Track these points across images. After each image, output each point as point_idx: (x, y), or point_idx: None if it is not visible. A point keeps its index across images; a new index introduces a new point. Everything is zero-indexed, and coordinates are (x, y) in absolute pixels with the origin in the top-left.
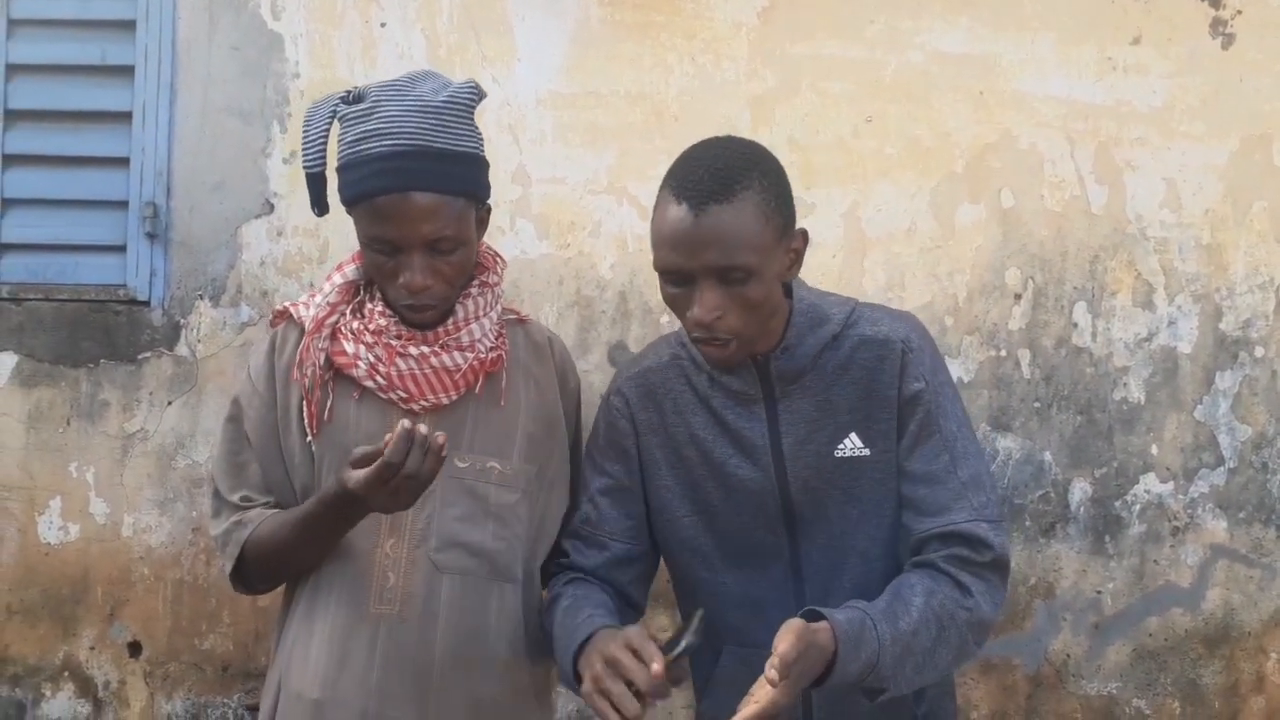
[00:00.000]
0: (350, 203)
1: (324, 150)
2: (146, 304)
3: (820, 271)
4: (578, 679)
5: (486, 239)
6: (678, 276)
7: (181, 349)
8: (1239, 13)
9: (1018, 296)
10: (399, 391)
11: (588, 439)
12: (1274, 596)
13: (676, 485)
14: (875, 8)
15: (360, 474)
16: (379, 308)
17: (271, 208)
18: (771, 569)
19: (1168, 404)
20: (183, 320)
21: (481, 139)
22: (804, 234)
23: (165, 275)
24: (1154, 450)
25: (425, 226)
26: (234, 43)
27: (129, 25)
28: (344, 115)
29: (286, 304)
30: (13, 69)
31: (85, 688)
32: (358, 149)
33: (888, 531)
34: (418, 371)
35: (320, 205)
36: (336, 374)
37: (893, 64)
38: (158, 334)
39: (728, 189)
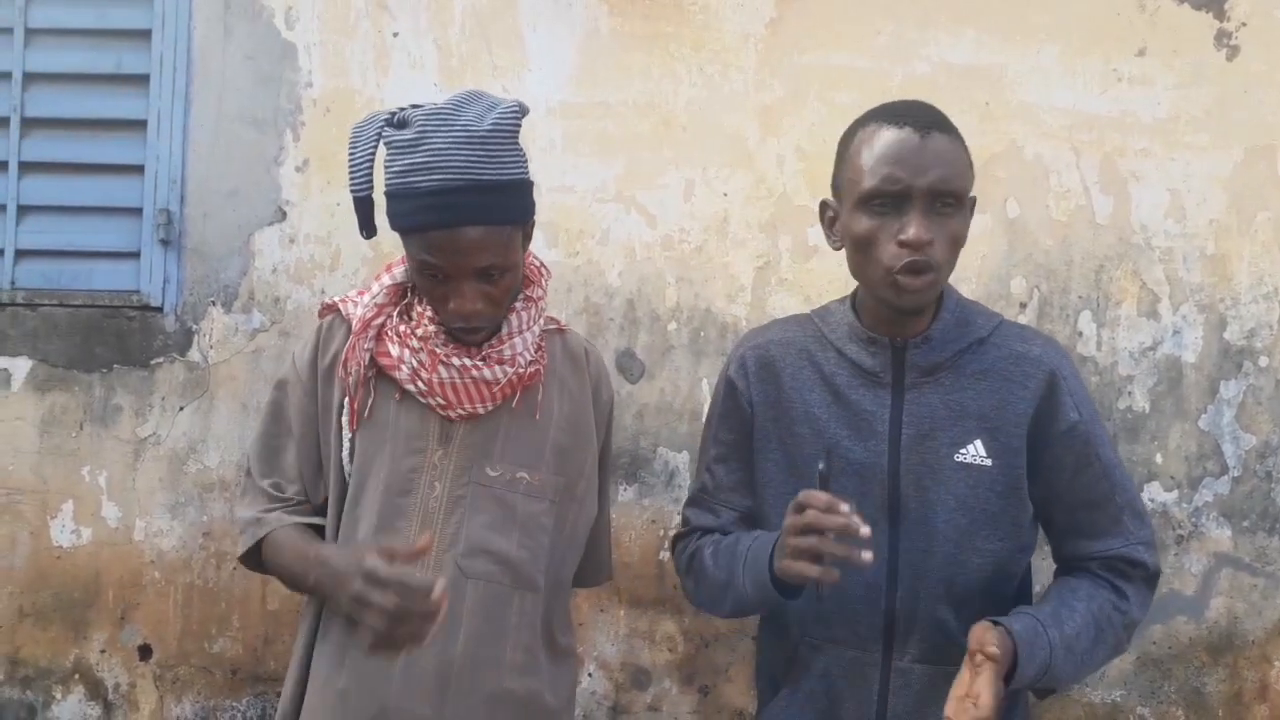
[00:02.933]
0: (400, 231)
1: (370, 173)
2: (160, 310)
3: (827, 279)
4: (777, 583)
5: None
6: (892, 197)
7: (194, 355)
8: (1243, 25)
9: (1023, 305)
10: (438, 398)
11: (707, 408)
12: (1278, 605)
13: (784, 460)
14: (882, 19)
15: (365, 564)
16: (428, 312)
17: (284, 215)
18: None
19: (1172, 413)
20: (195, 326)
21: (526, 159)
22: (974, 200)
23: (178, 281)
24: (1159, 459)
25: (475, 259)
26: (248, 52)
27: (144, 34)
28: (391, 141)
29: (335, 298)
30: (30, 77)
31: (96, 690)
32: (406, 181)
33: (994, 546)
34: (458, 381)
35: (368, 228)
36: (379, 373)
37: (900, 75)
38: (170, 340)
39: (944, 123)
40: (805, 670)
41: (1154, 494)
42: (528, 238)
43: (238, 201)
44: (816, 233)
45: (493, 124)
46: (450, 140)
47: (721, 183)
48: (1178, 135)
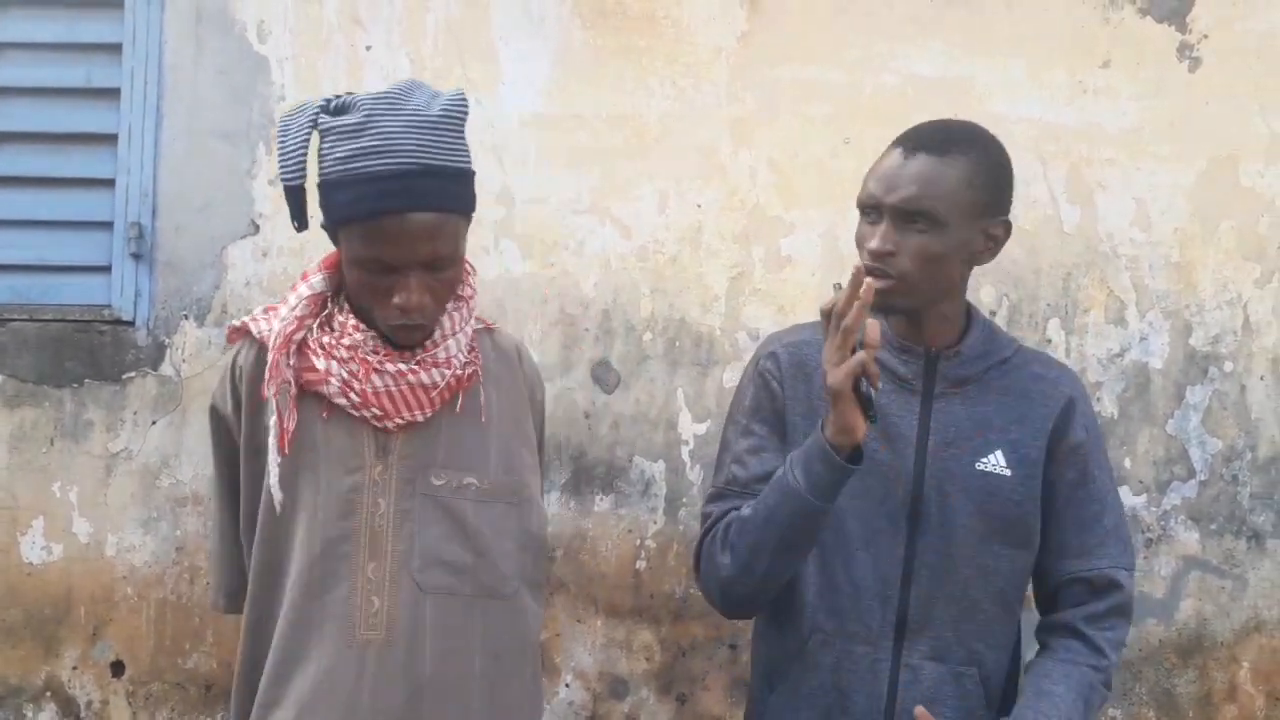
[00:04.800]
0: (342, 222)
1: (304, 162)
2: (131, 324)
3: (799, 289)
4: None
5: (471, 258)
6: (870, 210)
7: (166, 369)
8: (1205, 37)
9: (993, 313)
10: (373, 409)
11: (731, 404)
12: (1245, 607)
13: None
14: (852, 32)
15: None
16: (351, 321)
17: (257, 228)
18: (882, 560)
19: (1140, 418)
20: (167, 340)
21: (469, 151)
22: (1007, 225)
23: (150, 295)
24: (1127, 463)
25: (425, 247)
26: (220, 66)
27: (115, 48)
28: (329, 128)
29: (244, 319)
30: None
31: (68, 708)
32: (352, 167)
33: (1009, 552)
34: (394, 389)
35: (301, 220)
36: (301, 392)
37: (870, 87)
38: (142, 354)
39: (943, 146)
40: (814, 665)
41: (1123, 498)
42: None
43: (210, 215)
44: (789, 243)
45: (442, 110)
46: (401, 124)
47: (695, 194)
48: (1142, 145)
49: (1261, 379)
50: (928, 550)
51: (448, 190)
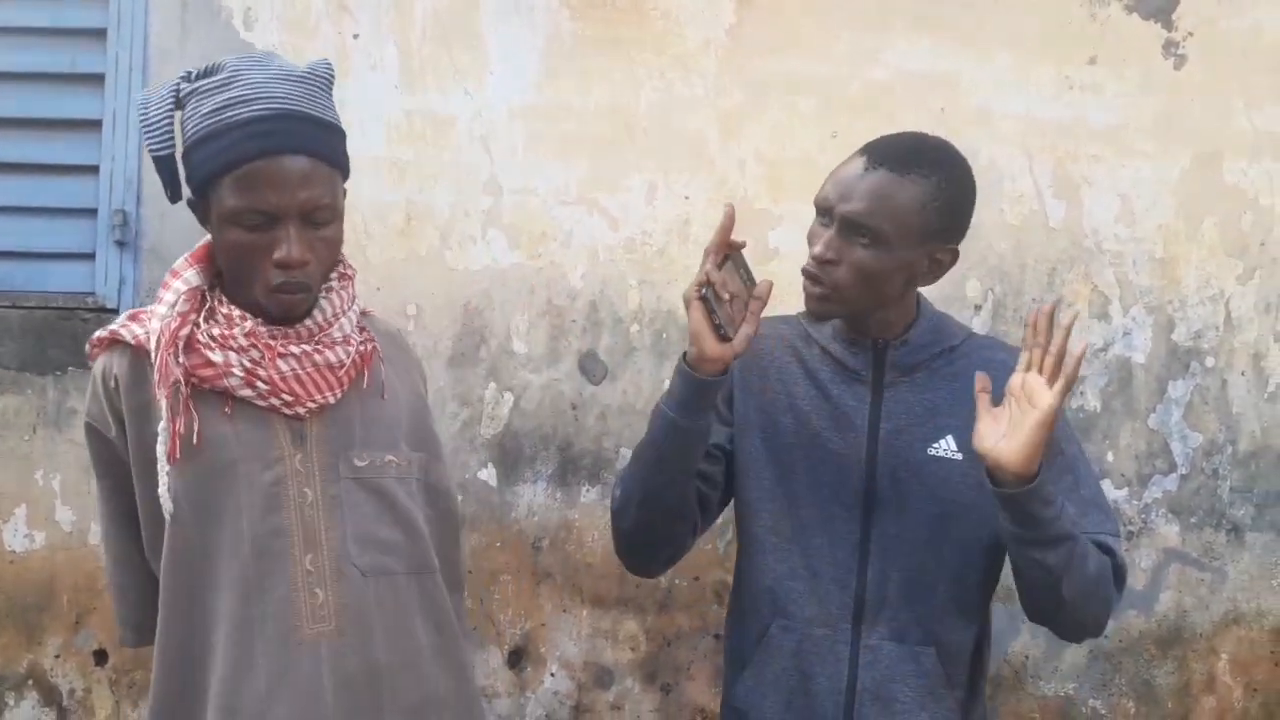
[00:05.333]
0: (213, 176)
1: (170, 131)
2: (115, 312)
3: (787, 281)
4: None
5: (459, 248)
6: (822, 213)
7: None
8: (1190, 34)
9: (978, 307)
10: (284, 395)
11: None
12: (1224, 599)
13: (765, 449)
14: (841, 26)
15: None
16: (236, 311)
17: None
18: (838, 546)
19: (1123, 412)
20: None
21: (338, 114)
22: (954, 254)
23: (135, 283)
24: (1110, 457)
25: (303, 193)
26: (206, 52)
27: (100, 34)
28: (194, 90)
29: (110, 328)
30: None
31: (50, 696)
32: (220, 117)
33: (959, 535)
34: (301, 371)
35: (174, 191)
36: (194, 391)
37: (858, 81)
38: None
39: (906, 165)
40: (776, 651)
41: (1105, 491)
42: (342, 209)
43: None
44: (777, 235)
45: (308, 69)
46: (268, 76)
47: (683, 186)
48: (1127, 142)
49: (1242, 374)
50: (883, 535)
51: (320, 138)
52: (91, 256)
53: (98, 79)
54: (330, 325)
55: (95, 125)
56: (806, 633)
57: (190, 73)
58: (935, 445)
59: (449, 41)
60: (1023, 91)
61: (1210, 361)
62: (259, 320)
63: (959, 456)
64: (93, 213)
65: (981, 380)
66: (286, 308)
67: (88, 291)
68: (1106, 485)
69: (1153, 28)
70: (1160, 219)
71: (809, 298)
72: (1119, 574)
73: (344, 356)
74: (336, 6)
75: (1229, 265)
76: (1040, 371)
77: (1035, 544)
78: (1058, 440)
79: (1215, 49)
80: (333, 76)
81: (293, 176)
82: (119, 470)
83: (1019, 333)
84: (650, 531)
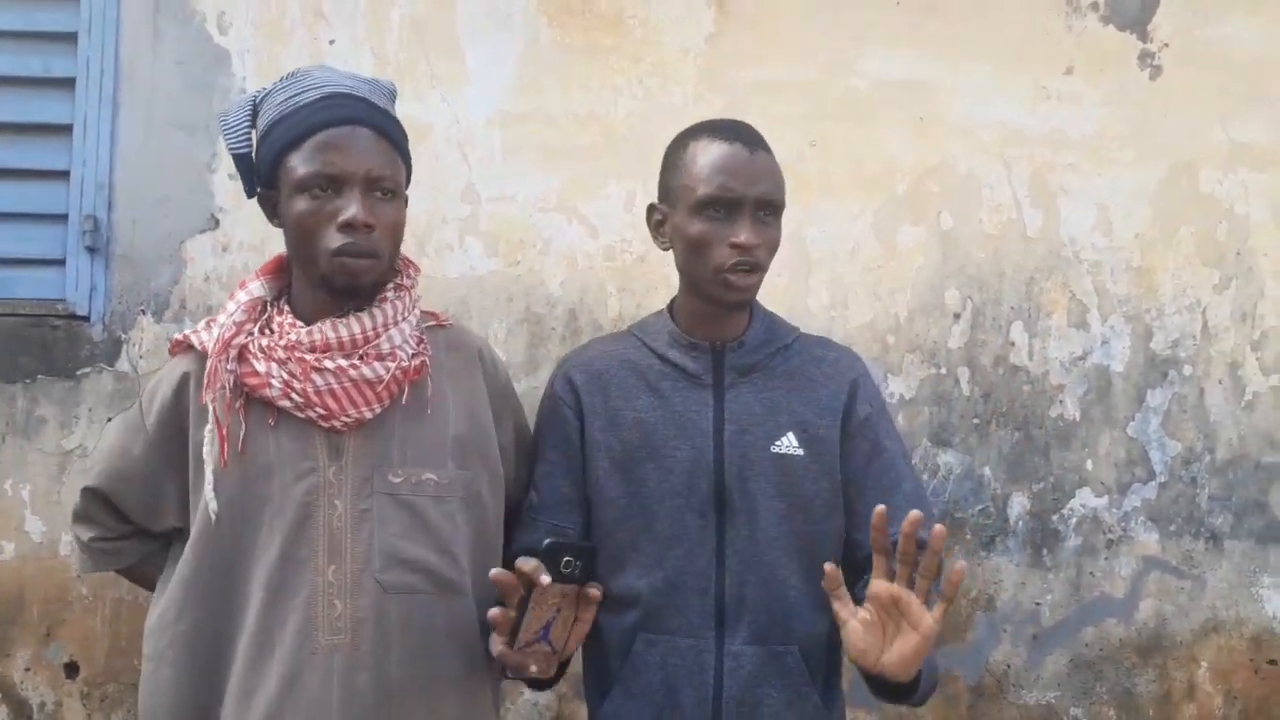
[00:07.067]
0: (285, 150)
1: (248, 131)
2: (86, 319)
3: (765, 290)
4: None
5: (436, 256)
6: (725, 205)
7: (123, 365)
8: (1165, 45)
9: (957, 316)
10: (317, 409)
11: (533, 428)
12: (1204, 607)
13: (613, 467)
14: (821, 35)
15: None
16: (288, 320)
17: (217, 223)
18: (696, 554)
19: (1101, 421)
20: (124, 336)
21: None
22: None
23: (106, 290)
24: (1089, 465)
25: (369, 160)
26: (179, 57)
27: (71, 38)
28: (267, 93)
29: (187, 332)
30: None
31: (20, 710)
32: (292, 102)
33: (807, 529)
34: (336, 386)
35: (251, 187)
36: (248, 400)
37: (837, 89)
38: (98, 349)
39: (763, 142)
40: (641, 666)
41: (1085, 500)
42: (405, 199)
43: (168, 208)
44: None
45: (373, 77)
46: (333, 74)
47: None
48: (1104, 151)
49: (1220, 383)
50: (737, 538)
51: (385, 122)
52: (62, 263)
53: (68, 83)
54: (378, 335)
55: (66, 130)
56: (671, 645)
57: (263, 89)
58: (778, 443)
59: (426, 48)
60: (1000, 100)
61: (1188, 370)
62: (309, 330)
63: (800, 452)
64: (63, 218)
65: (831, 576)
66: (351, 275)
67: (58, 298)
68: (1086, 494)
69: (1128, 39)
70: (1137, 228)
71: (738, 289)
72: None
73: (383, 372)
74: (312, 12)
75: (1205, 274)
76: (911, 586)
77: (905, 702)
78: (881, 437)
79: (1191, 60)
80: (395, 91)
81: (358, 143)
82: (153, 464)
83: (998, 341)
84: None
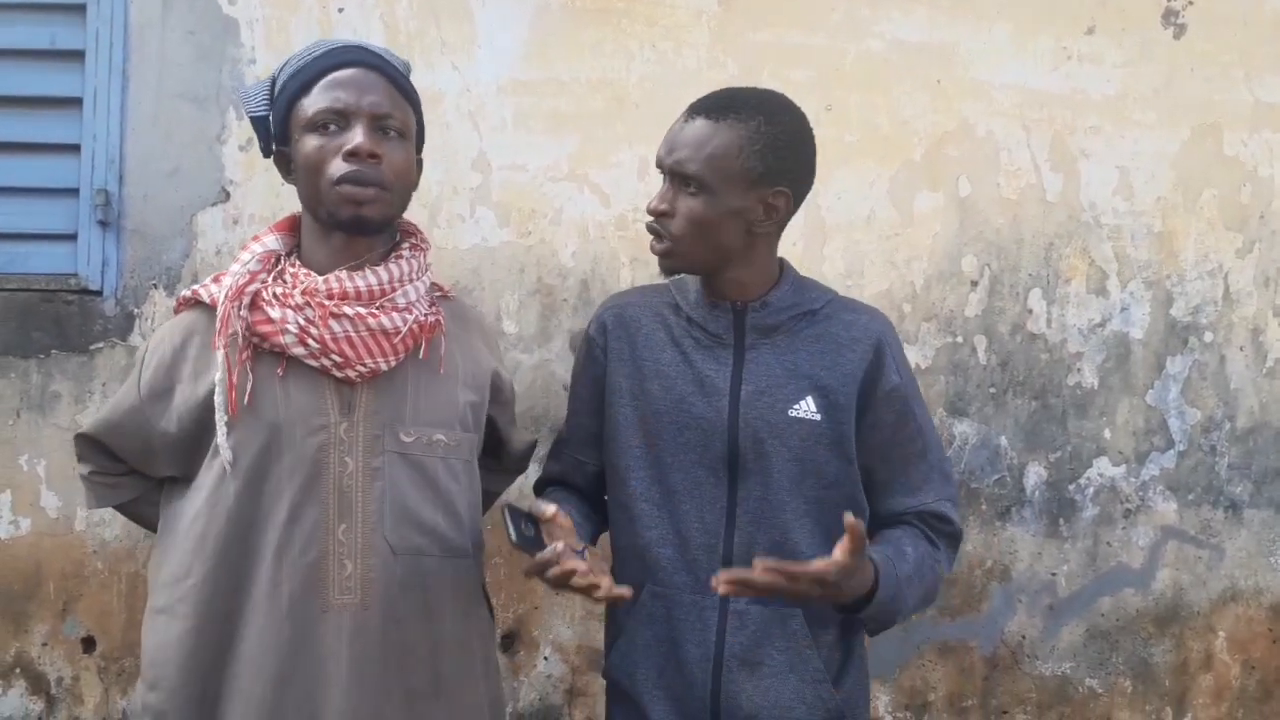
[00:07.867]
0: (297, 94)
1: (266, 97)
2: (99, 293)
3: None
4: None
5: (447, 226)
6: (660, 171)
7: (135, 339)
8: (1190, 3)
9: (974, 283)
10: (334, 356)
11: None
12: (1222, 576)
13: (634, 415)
14: None
15: None
16: (302, 271)
17: (228, 195)
18: (706, 511)
19: (1120, 389)
20: (136, 310)
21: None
22: (787, 196)
23: (118, 264)
24: (1107, 434)
25: (375, 95)
26: (189, 27)
27: (79, 9)
28: (284, 63)
29: (195, 287)
30: None
31: (38, 685)
32: (305, 56)
33: (821, 494)
34: (353, 334)
35: (268, 146)
36: (255, 352)
37: (853, 52)
38: (110, 324)
39: (721, 112)
40: (648, 619)
41: (1102, 469)
42: (419, 162)
43: (179, 181)
44: None
45: (386, 49)
46: (352, 43)
47: None
48: (1126, 113)
49: (1241, 349)
50: (748, 497)
51: (397, 75)
52: (74, 237)
53: (78, 55)
54: (394, 289)
55: (76, 103)
56: (677, 599)
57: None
58: (796, 406)
59: (436, 15)
60: (1020, 62)
61: (1209, 337)
62: (325, 280)
63: (818, 417)
64: (74, 192)
65: (852, 526)
66: (355, 204)
67: (70, 273)
68: (1104, 463)
69: None
70: (1159, 192)
71: (656, 254)
72: (954, 539)
73: (400, 323)
74: None
75: (1228, 239)
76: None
77: (894, 622)
78: (910, 407)
79: (1215, 18)
80: (409, 67)
81: (364, 81)
82: (153, 419)
83: (1016, 309)
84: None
